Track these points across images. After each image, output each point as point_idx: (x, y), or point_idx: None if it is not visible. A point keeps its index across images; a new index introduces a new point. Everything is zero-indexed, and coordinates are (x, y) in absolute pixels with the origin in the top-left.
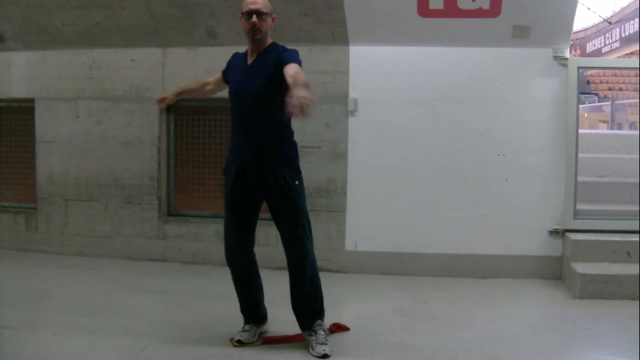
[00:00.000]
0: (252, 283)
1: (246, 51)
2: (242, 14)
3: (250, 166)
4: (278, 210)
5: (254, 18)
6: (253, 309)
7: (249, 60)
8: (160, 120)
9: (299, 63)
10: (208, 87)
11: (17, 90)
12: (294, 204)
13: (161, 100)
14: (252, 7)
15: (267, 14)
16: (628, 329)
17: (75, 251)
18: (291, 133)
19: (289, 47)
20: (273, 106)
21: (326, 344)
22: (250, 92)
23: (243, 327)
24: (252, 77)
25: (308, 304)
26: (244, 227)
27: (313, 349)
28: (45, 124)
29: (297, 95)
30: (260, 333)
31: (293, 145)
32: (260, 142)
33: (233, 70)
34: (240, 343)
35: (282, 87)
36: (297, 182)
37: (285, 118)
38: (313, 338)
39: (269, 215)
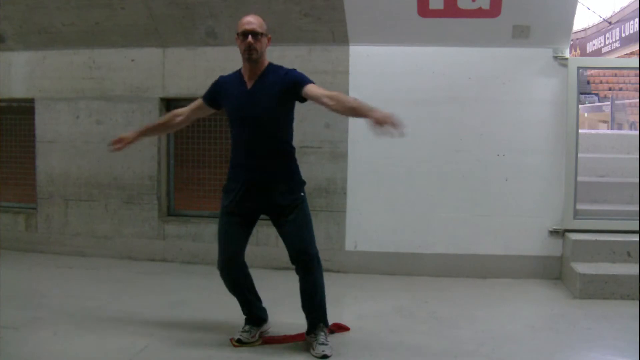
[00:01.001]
0: (249, 287)
1: (237, 73)
2: (237, 34)
3: (257, 183)
4: (288, 221)
5: (250, 38)
6: (251, 312)
7: (249, 84)
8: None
9: (311, 81)
10: (179, 119)
11: (17, 90)
12: (302, 212)
13: (119, 141)
14: (247, 27)
15: (262, 34)
16: (628, 329)
17: (75, 251)
18: (293, 150)
19: (289, 47)
20: (278, 128)
21: (326, 344)
22: (257, 118)
23: (243, 327)
24: (257, 102)
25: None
26: (244, 235)
27: (314, 349)
28: (45, 124)
29: (382, 116)
30: (261, 333)
31: (295, 160)
32: (266, 162)
33: (229, 96)
34: (240, 343)
35: (287, 108)
36: (302, 194)
37: (289, 136)
38: (313, 339)
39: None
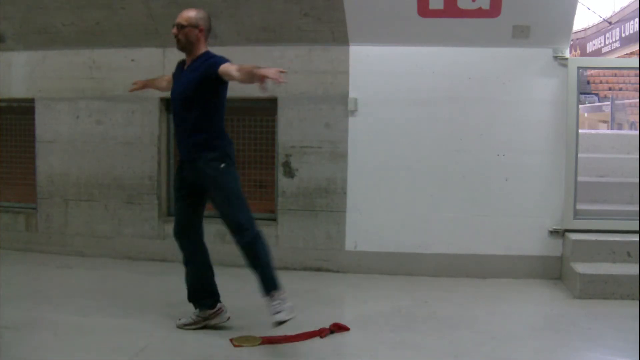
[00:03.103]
0: (202, 263)
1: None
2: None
3: (187, 160)
4: (211, 195)
5: (174, 29)
6: (196, 291)
7: (185, 67)
8: (160, 120)
9: (227, 61)
10: (164, 84)
11: (17, 90)
12: (221, 184)
13: (136, 84)
14: (176, 19)
15: (186, 26)
16: (628, 329)
17: (75, 251)
18: (221, 130)
19: (289, 47)
20: (200, 107)
21: (280, 312)
22: (180, 96)
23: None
24: (183, 82)
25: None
26: (192, 209)
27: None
28: (45, 124)
29: (265, 72)
30: (204, 319)
31: (223, 138)
32: (191, 138)
33: (174, 76)
34: (182, 327)
35: (208, 90)
36: (222, 165)
37: (215, 117)
38: (270, 308)
39: (267, 215)
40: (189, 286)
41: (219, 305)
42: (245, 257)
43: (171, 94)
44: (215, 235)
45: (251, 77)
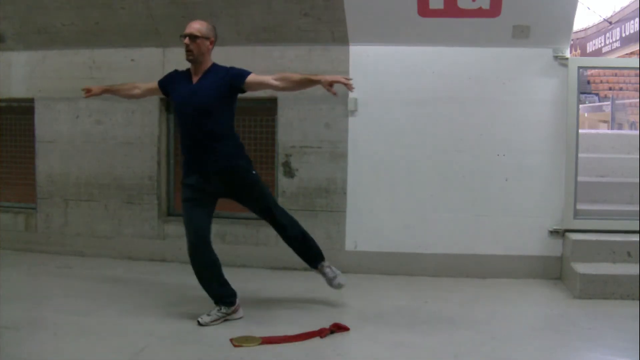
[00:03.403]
0: (218, 266)
1: (187, 70)
2: (180, 36)
3: (215, 171)
4: (249, 199)
5: (186, 40)
6: (220, 291)
7: (194, 79)
8: (160, 120)
9: (250, 72)
10: (136, 91)
11: (17, 90)
12: (258, 187)
13: (87, 90)
14: (187, 30)
15: (200, 37)
16: (628, 329)
17: (75, 251)
18: (237, 135)
19: (289, 47)
20: (222, 116)
21: (336, 276)
22: (204, 104)
23: (210, 311)
24: (201, 90)
25: (309, 251)
26: (207, 215)
27: (331, 284)
28: (45, 124)
29: (332, 78)
30: (227, 314)
31: (241, 145)
32: (218, 148)
33: (177, 90)
34: (208, 323)
35: (228, 101)
36: (254, 172)
37: (231, 124)
38: (324, 277)
39: None
40: (213, 289)
41: (237, 301)
42: (298, 244)
43: (180, 104)
44: (216, 235)
45: (310, 84)
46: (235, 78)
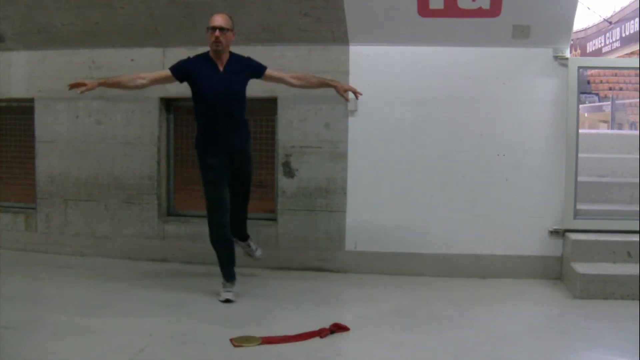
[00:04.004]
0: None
1: (206, 58)
2: (207, 28)
3: (237, 150)
4: (244, 176)
5: (217, 32)
6: (234, 270)
7: (220, 68)
8: (160, 120)
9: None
10: (140, 82)
11: (17, 90)
12: (251, 165)
13: (78, 84)
14: (215, 23)
15: (227, 29)
16: (628, 329)
17: (75, 251)
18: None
19: (289, 47)
20: (243, 102)
21: (257, 248)
22: (234, 92)
23: (227, 289)
24: (230, 79)
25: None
26: (229, 199)
27: (252, 256)
28: (45, 124)
29: (345, 85)
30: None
31: (248, 125)
32: (241, 129)
33: (203, 77)
34: (228, 301)
35: (246, 87)
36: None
37: (246, 107)
38: (248, 249)
39: (267, 215)
40: (231, 269)
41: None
42: (242, 208)
43: (212, 91)
44: None
45: (326, 86)
46: (256, 69)
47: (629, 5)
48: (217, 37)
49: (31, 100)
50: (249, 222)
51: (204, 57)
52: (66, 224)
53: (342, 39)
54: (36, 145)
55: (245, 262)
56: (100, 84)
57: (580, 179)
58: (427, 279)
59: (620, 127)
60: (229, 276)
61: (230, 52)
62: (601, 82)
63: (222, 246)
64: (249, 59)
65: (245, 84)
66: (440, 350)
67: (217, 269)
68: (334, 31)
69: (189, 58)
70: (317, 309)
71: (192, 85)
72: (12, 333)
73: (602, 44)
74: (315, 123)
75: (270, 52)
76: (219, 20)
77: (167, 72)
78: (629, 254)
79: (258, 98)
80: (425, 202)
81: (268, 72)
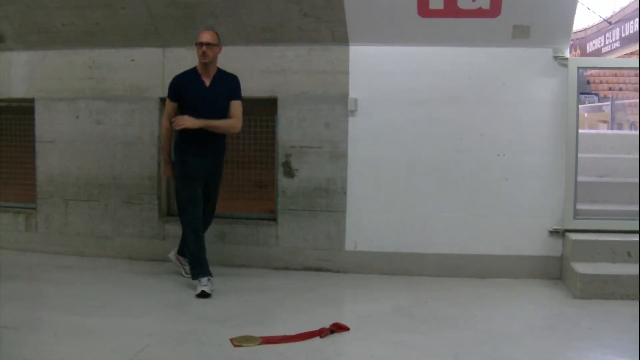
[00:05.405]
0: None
1: (192, 72)
2: (196, 43)
3: (214, 157)
4: (214, 186)
5: (204, 47)
6: (206, 263)
7: (207, 82)
8: (160, 120)
9: (241, 98)
10: (166, 125)
11: (17, 90)
12: (222, 177)
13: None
14: (203, 39)
15: (213, 44)
16: (628, 329)
17: (75, 251)
18: None
19: (289, 47)
20: (226, 113)
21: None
22: (218, 107)
23: (202, 282)
24: (215, 97)
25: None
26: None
27: (186, 274)
28: (45, 124)
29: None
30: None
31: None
32: (219, 142)
33: (190, 88)
34: (205, 295)
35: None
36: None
37: None
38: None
39: (267, 215)
40: (198, 251)
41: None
42: (205, 229)
43: (197, 103)
44: (216, 236)
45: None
46: (234, 92)
47: (628, 6)
48: (204, 52)
49: (31, 100)
50: (249, 221)
51: (191, 72)
52: (66, 224)
53: (342, 39)
54: (36, 145)
55: (245, 260)
56: (169, 159)
57: (580, 179)
58: (427, 279)
59: (620, 127)
60: (201, 274)
61: (218, 68)
62: (601, 82)
63: (195, 241)
64: (235, 79)
65: (228, 100)
66: (440, 350)
67: (217, 269)
68: (334, 31)
69: (176, 77)
70: (317, 309)
71: (180, 99)
72: (12, 333)
73: (602, 44)
74: (316, 123)
75: (270, 52)
76: (206, 36)
77: (171, 103)
78: (629, 254)
79: (258, 98)
80: (425, 202)
81: (233, 103)
